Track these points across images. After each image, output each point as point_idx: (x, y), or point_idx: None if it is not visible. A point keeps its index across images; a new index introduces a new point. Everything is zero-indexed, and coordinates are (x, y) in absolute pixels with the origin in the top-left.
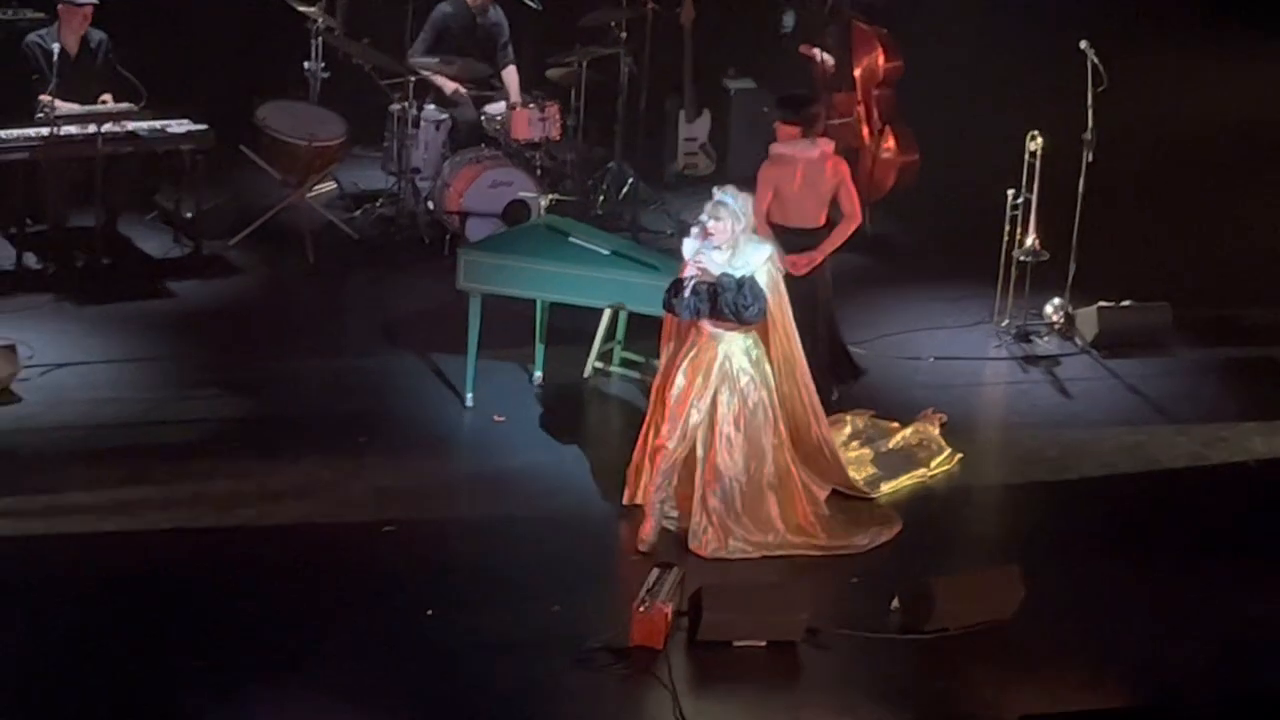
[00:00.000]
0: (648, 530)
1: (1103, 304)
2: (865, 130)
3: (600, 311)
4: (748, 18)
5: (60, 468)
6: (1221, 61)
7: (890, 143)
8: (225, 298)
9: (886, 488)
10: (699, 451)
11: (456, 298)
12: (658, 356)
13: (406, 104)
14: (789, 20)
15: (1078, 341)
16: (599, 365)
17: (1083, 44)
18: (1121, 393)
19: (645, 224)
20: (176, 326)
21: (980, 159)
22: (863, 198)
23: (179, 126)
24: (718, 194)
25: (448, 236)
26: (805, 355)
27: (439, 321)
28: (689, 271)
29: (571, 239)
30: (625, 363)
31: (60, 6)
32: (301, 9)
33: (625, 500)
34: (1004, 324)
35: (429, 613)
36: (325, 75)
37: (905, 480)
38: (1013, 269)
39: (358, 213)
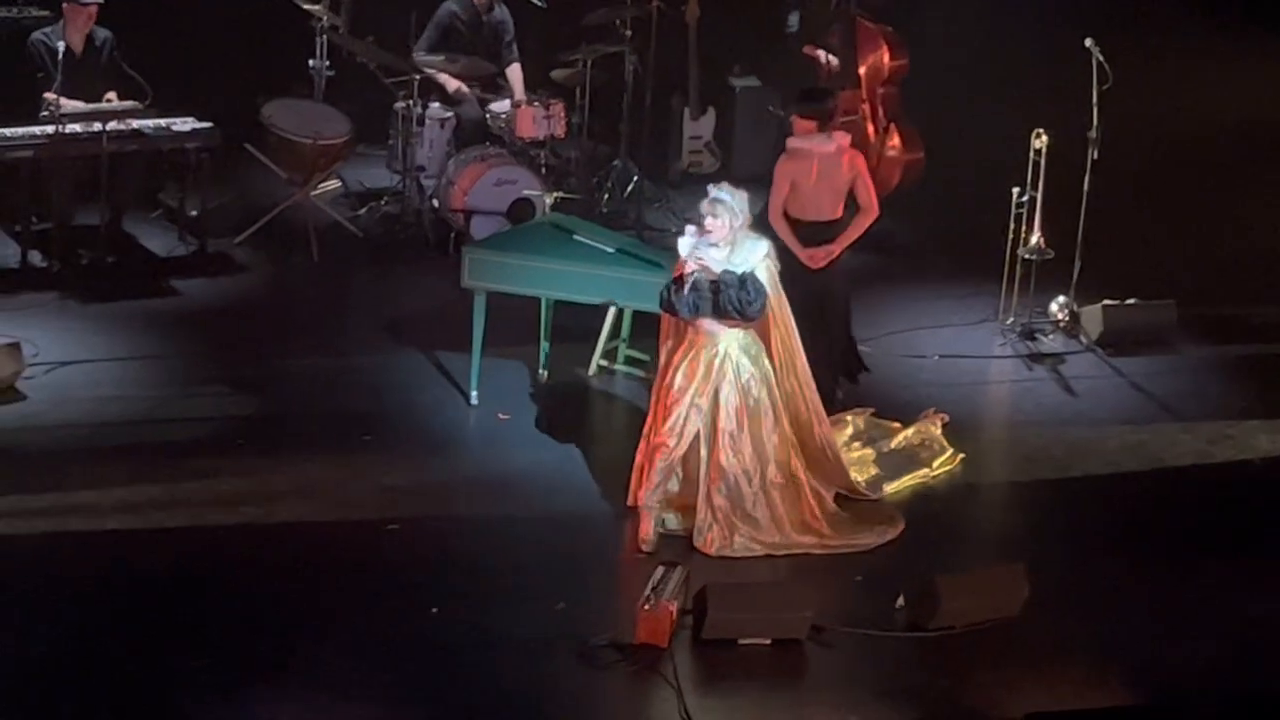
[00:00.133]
0: (646, 530)
1: (1107, 302)
2: (870, 128)
3: (605, 309)
4: (753, 15)
5: (64, 465)
6: (1227, 60)
7: (895, 141)
8: (230, 296)
9: (889, 488)
10: (702, 451)
11: (461, 296)
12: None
13: (411, 102)
14: (793, 20)
15: (1082, 339)
16: (603, 363)
17: (1088, 42)
18: (1126, 391)
19: (650, 222)
20: (181, 324)
21: (985, 157)
22: None
23: (184, 125)
24: (714, 191)
25: (452, 234)
26: (817, 351)
27: (443, 320)
28: (690, 268)
29: (576, 237)
30: (630, 361)
31: (65, 5)
32: (306, 7)
33: (630, 502)
34: (1009, 322)
35: (433, 611)
36: (330, 73)
37: (908, 480)
38: (1018, 267)
39: (362, 211)
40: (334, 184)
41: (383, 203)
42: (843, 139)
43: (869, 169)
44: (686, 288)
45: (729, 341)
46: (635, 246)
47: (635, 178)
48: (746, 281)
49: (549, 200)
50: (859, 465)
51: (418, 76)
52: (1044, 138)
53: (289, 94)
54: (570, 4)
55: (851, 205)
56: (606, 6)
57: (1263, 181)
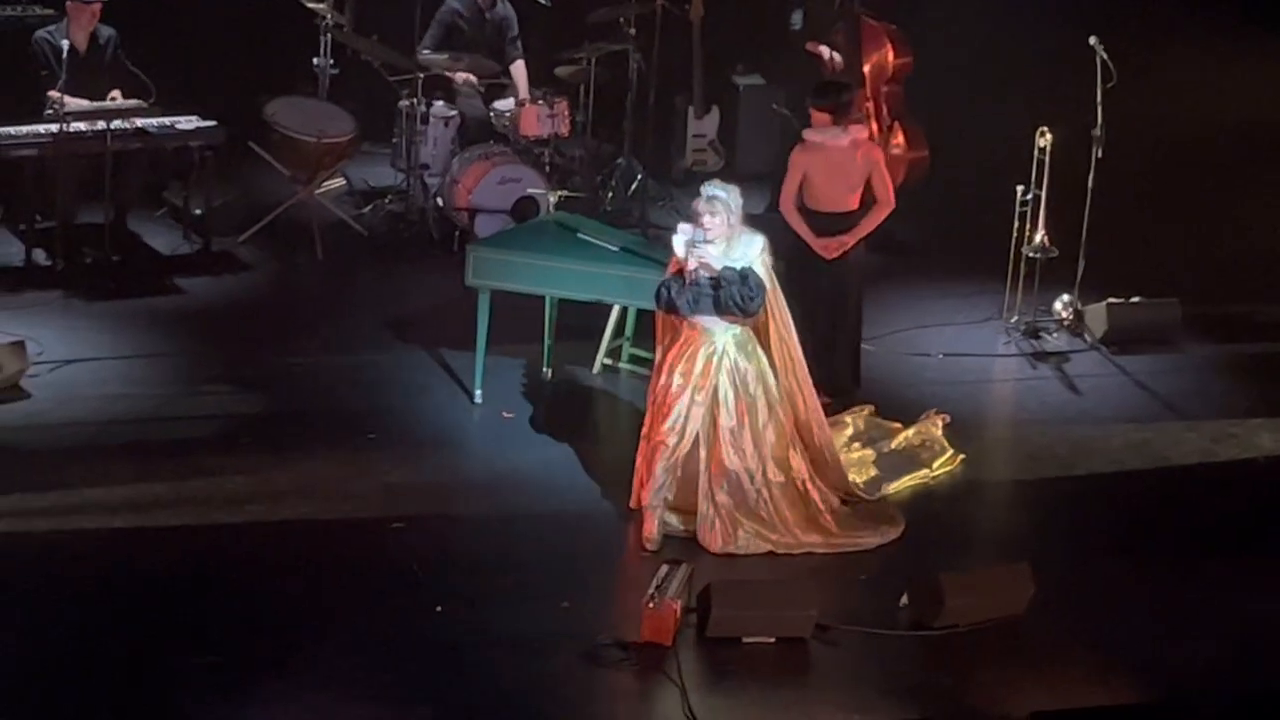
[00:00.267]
0: (650, 529)
1: (1112, 300)
2: (874, 126)
3: (609, 307)
4: (757, 14)
5: (69, 464)
6: (1231, 58)
7: (899, 139)
8: (234, 294)
9: (888, 489)
10: (701, 451)
11: (465, 294)
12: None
13: (415, 100)
14: (797, 18)
15: (1087, 338)
16: (608, 362)
17: (1092, 40)
18: (1130, 389)
19: (654, 220)
20: (185, 323)
21: (989, 155)
22: None
23: (188, 123)
24: (710, 189)
25: (456, 233)
26: (833, 346)
27: (448, 318)
28: (691, 266)
29: (580, 235)
30: (634, 359)
31: (69, 3)
32: (310, 5)
33: (632, 504)
34: (1013, 320)
35: (437, 609)
36: (334, 71)
37: (908, 481)
38: (1022, 265)
39: (367, 209)
40: (338, 182)
41: (387, 201)
42: (859, 133)
43: None
44: (686, 285)
45: (725, 338)
46: (639, 245)
47: (639, 176)
48: (748, 277)
49: (553, 198)
50: (859, 466)
51: (422, 74)
52: (1048, 136)
53: (293, 92)
54: (574, 2)
55: (870, 198)
56: (610, 4)
57: (1267, 180)
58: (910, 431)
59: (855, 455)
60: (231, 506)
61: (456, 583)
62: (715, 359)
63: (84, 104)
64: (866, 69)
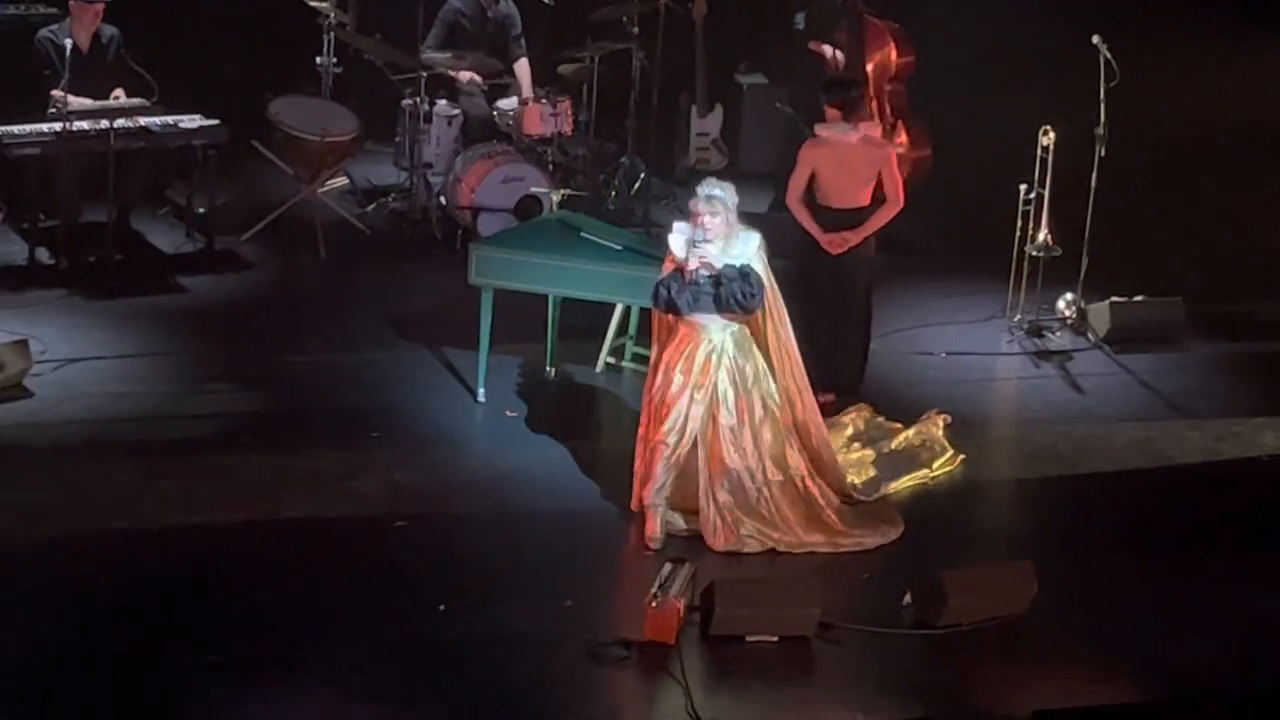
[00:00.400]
0: (653, 528)
1: (1115, 299)
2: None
3: (612, 306)
4: (760, 12)
5: (72, 462)
6: (1235, 57)
7: (902, 138)
8: (237, 293)
9: (887, 489)
10: (700, 452)
11: (468, 293)
12: None
13: (418, 99)
14: (800, 19)
15: (1090, 336)
16: (611, 360)
17: (1095, 39)
18: (1134, 388)
19: (657, 219)
20: (188, 321)
21: (992, 154)
22: None
23: (191, 122)
24: (708, 189)
25: (459, 231)
26: (831, 344)
27: (451, 316)
28: (692, 265)
29: (583, 234)
30: (636, 358)
31: (72, 2)
32: (313, 4)
33: (633, 506)
34: (1016, 319)
35: (440, 608)
36: (337, 70)
37: (907, 481)
38: (1025, 264)
39: (370, 208)
40: (341, 181)
41: (390, 200)
42: (871, 130)
43: None
44: (687, 284)
45: (724, 336)
46: (642, 244)
47: (642, 175)
48: (749, 275)
49: (556, 197)
50: (858, 466)
51: (425, 73)
52: (1051, 134)
53: (296, 91)
54: (577, 1)
55: (882, 196)
56: (613, 3)
57: (1270, 179)
58: (910, 432)
59: (855, 455)
60: (234, 505)
61: (460, 581)
62: (714, 357)
63: (87, 103)
64: (869, 67)
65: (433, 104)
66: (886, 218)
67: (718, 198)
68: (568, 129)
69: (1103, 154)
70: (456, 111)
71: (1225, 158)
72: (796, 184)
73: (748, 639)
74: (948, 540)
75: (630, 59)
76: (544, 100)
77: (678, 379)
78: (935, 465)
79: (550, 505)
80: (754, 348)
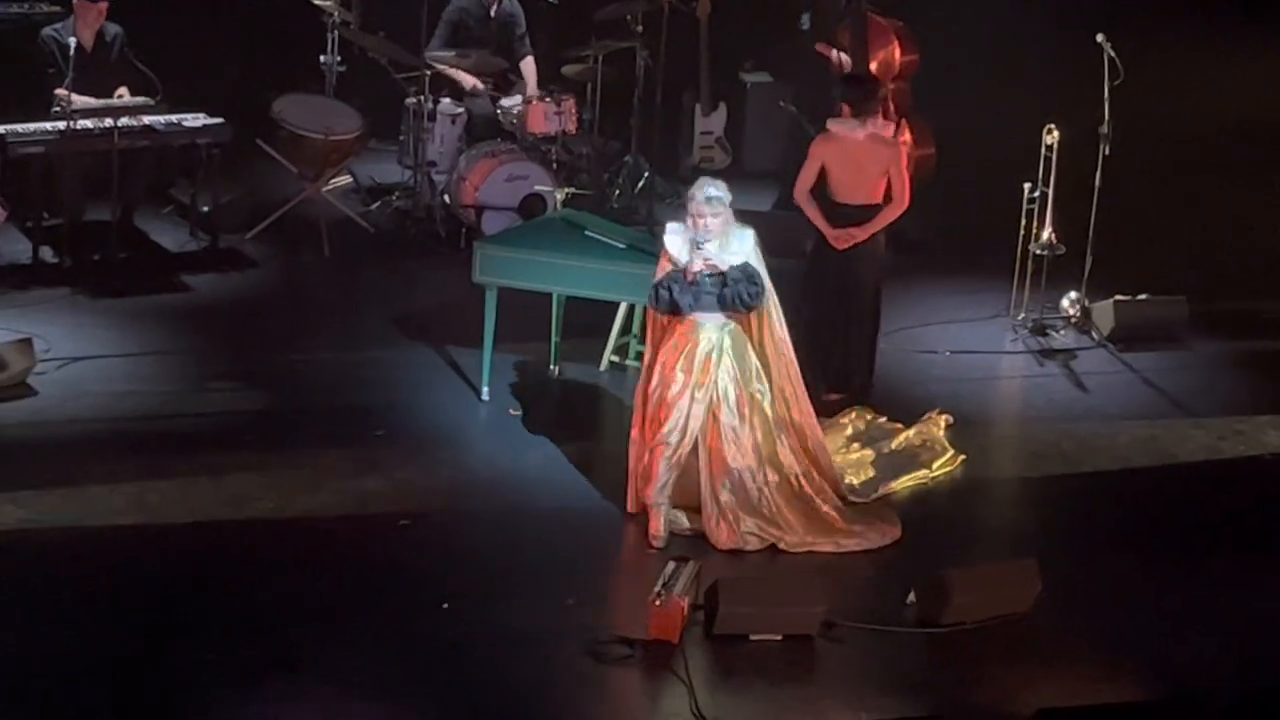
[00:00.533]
0: (656, 527)
1: (1119, 298)
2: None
3: (616, 305)
4: (764, 11)
5: (76, 461)
6: (1239, 56)
7: (906, 136)
8: (241, 291)
9: (885, 489)
10: (700, 450)
11: (472, 291)
12: None
13: (422, 97)
14: (805, 20)
15: (1094, 335)
16: (614, 359)
17: (1099, 37)
18: (1137, 387)
19: (661, 217)
20: (192, 320)
21: (996, 152)
22: None
23: (195, 120)
24: (708, 190)
25: (463, 230)
26: (836, 341)
27: (455, 315)
28: (696, 267)
29: (587, 233)
30: (641, 356)
31: (75, 1)
32: (318, 2)
33: (630, 508)
34: (1020, 318)
35: (444, 606)
36: (341, 69)
37: (906, 481)
38: (1029, 262)
39: (374, 206)
40: (345, 179)
41: (394, 198)
42: (882, 129)
43: None
44: (690, 285)
45: (721, 334)
46: (646, 242)
47: (646, 173)
48: (754, 275)
49: (560, 196)
50: (857, 467)
51: (429, 72)
52: (1055, 133)
53: (300, 89)
54: (581, 0)
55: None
56: (617, 2)
57: (1274, 178)
58: (911, 432)
59: (854, 456)
60: (237, 503)
61: (463, 579)
62: (714, 355)
63: (91, 101)
64: (873, 66)
65: (437, 102)
66: (891, 217)
67: (718, 198)
68: (572, 127)
69: (1107, 152)
70: (460, 110)
71: (1229, 156)
72: (805, 178)
73: (751, 637)
74: (951, 539)
75: (634, 57)
76: (548, 99)
77: (678, 379)
78: (935, 466)
79: (554, 504)
80: (748, 345)
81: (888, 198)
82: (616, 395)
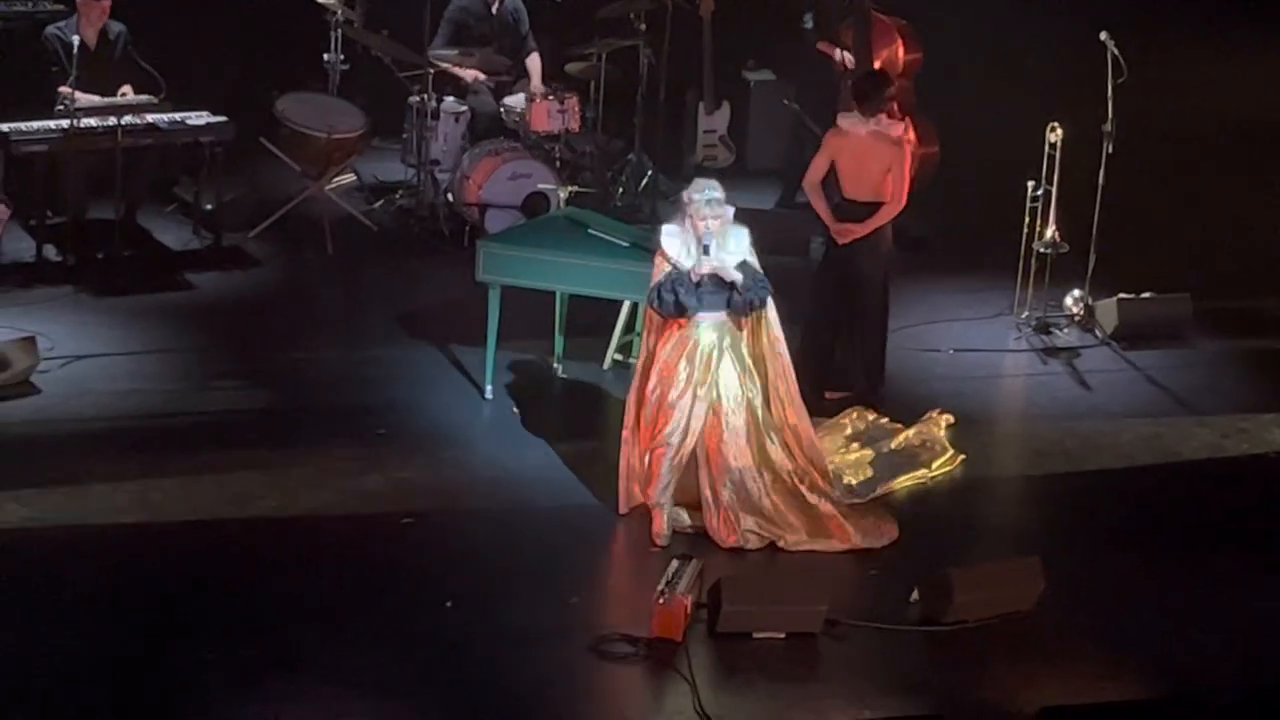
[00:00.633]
0: (660, 526)
1: (1123, 296)
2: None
3: (619, 303)
4: (767, 9)
5: (79, 459)
6: (1242, 53)
7: (910, 135)
8: (244, 290)
9: (883, 489)
10: (700, 449)
11: (475, 289)
12: None
13: (425, 96)
14: (809, 18)
15: (1097, 333)
16: (618, 357)
17: (1103, 35)
18: (1141, 384)
19: (664, 216)
20: (196, 318)
21: (1000, 151)
22: None
23: (198, 119)
24: (709, 192)
25: (467, 228)
26: (848, 340)
27: (458, 313)
28: (704, 271)
29: (591, 231)
30: None
31: None
32: (321, 1)
33: (621, 509)
34: (1023, 316)
35: (447, 604)
36: (344, 67)
37: (904, 480)
38: (1032, 261)
39: (377, 205)
40: (348, 178)
41: (397, 197)
42: (887, 127)
43: None
44: (697, 287)
45: (721, 333)
46: (650, 240)
47: (649, 171)
48: (762, 279)
49: (563, 194)
50: (856, 467)
51: (432, 70)
52: (1059, 131)
53: (303, 88)
54: None
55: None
56: (620, 0)
57: (1278, 176)
58: (911, 432)
59: (853, 456)
60: (240, 502)
61: (467, 577)
62: (715, 354)
63: (94, 100)
64: (877, 64)
65: (440, 101)
66: (887, 216)
67: (718, 199)
68: (575, 126)
69: (1110, 150)
70: (464, 108)
71: (1233, 154)
72: (816, 169)
73: (755, 636)
74: (955, 537)
75: (637, 56)
76: (551, 97)
77: (680, 379)
78: (935, 465)
79: (557, 502)
80: (742, 344)
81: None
82: (620, 394)
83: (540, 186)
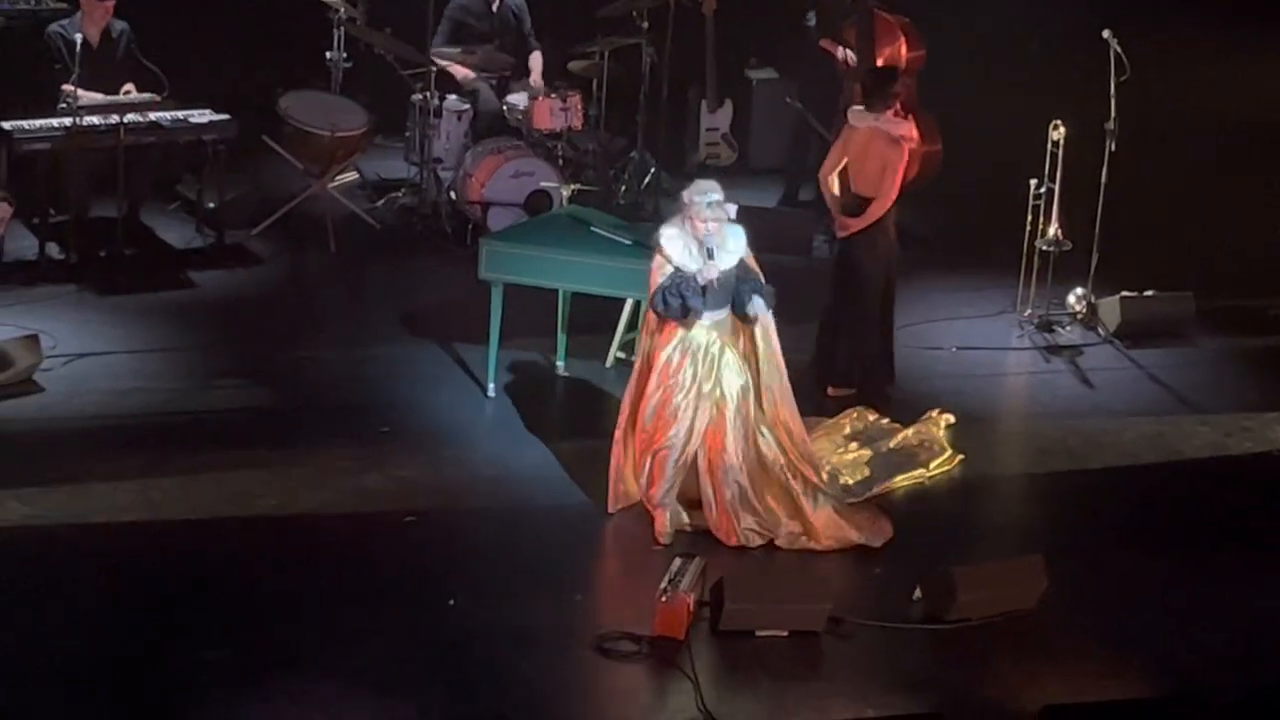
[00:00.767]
0: (662, 525)
1: (1125, 294)
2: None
3: (622, 301)
4: (770, 7)
5: (82, 457)
6: (1245, 52)
7: (912, 132)
8: (247, 288)
9: (878, 489)
10: (701, 449)
11: (478, 288)
12: None
13: (428, 94)
14: (812, 16)
15: (1100, 331)
16: (621, 355)
17: (1105, 33)
18: (1144, 383)
19: (667, 214)
20: (198, 316)
21: (1003, 148)
22: None
23: (201, 116)
24: (711, 194)
25: (469, 226)
26: (834, 334)
27: (460, 311)
28: (711, 275)
29: (593, 229)
30: None
31: None
32: None
33: (610, 509)
34: (1026, 314)
35: (451, 602)
36: (347, 65)
37: (901, 480)
38: (1035, 259)
39: (380, 203)
40: (351, 176)
41: (400, 195)
42: (890, 125)
43: None
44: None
45: (720, 330)
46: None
47: (652, 169)
48: (762, 287)
49: (566, 192)
50: (853, 466)
51: (434, 68)
52: (1061, 129)
53: (306, 86)
54: None
55: (910, 188)
56: None
57: None
58: (910, 431)
59: (850, 456)
60: (241, 500)
61: (470, 575)
62: (717, 351)
63: (97, 98)
64: (879, 62)
65: (443, 99)
66: (876, 213)
67: (720, 202)
68: (578, 124)
69: (1113, 149)
70: (466, 106)
71: (1236, 152)
72: (828, 163)
73: (757, 634)
74: (957, 535)
75: (640, 54)
76: (554, 95)
77: (686, 380)
78: (932, 465)
79: (559, 500)
80: (736, 342)
81: (903, 193)
82: (623, 391)
83: (543, 184)
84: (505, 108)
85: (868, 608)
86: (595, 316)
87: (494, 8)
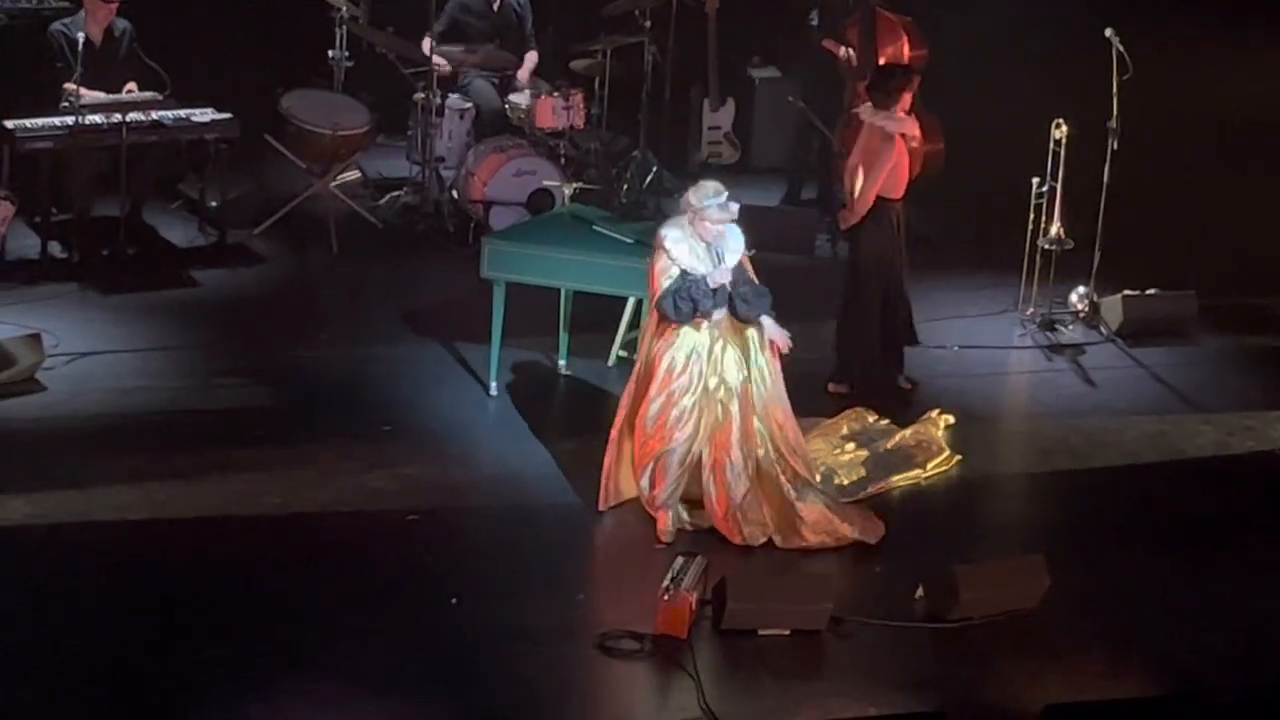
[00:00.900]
0: (665, 523)
1: (1128, 293)
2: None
3: (624, 300)
4: (772, 6)
5: (84, 456)
6: (1248, 50)
7: (915, 131)
8: (249, 287)
9: (874, 489)
10: (705, 452)
11: (480, 286)
12: None
13: (431, 93)
14: (815, 16)
15: (1102, 330)
16: (623, 354)
17: (1108, 32)
18: (1146, 382)
19: (669, 213)
20: (201, 315)
21: (1005, 147)
22: None
23: (203, 115)
24: (719, 196)
25: (472, 225)
26: (844, 327)
27: (463, 310)
28: (719, 279)
29: (595, 228)
30: None
31: None
32: None
33: (601, 506)
34: (1029, 312)
35: (453, 601)
36: (349, 64)
37: (897, 480)
38: (1037, 257)
39: (382, 202)
40: (353, 175)
41: (402, 193)
42: (887, 122)
43: None
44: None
45: (721, 328)
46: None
47: (654, 168)
48: (759, 292)
49: (568, 191)
50: (849, 467)
51: (435, 68)
52: (1064, 128)
53: (308, 85)
54: None
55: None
56: None
57: None
58: (908, 432)
59: (846, 456)
60: (244, 499)
61: (472, 574)
62: (719, 349)
63: (100, 96)
64: (882, 61)
65: (445, 98)
66: (859, 209)
67: (727, 204)
68: (580, 123)
69: (1115, 147)
70: (468, 105)
71: (1239, 151)
72: (851, 161)
73: (760, 633)
74: (959, 534)
75: (642, 53)
76: (556, 94)
77: (691, 380)
78: (930, 466)
79: (562, 499)
80: (734, 338)
81: (909, 191)
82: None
83: (545, 183)
84: (507, 106)
85: (870, 607)
86: (597, 315)
87: (495, 7)
